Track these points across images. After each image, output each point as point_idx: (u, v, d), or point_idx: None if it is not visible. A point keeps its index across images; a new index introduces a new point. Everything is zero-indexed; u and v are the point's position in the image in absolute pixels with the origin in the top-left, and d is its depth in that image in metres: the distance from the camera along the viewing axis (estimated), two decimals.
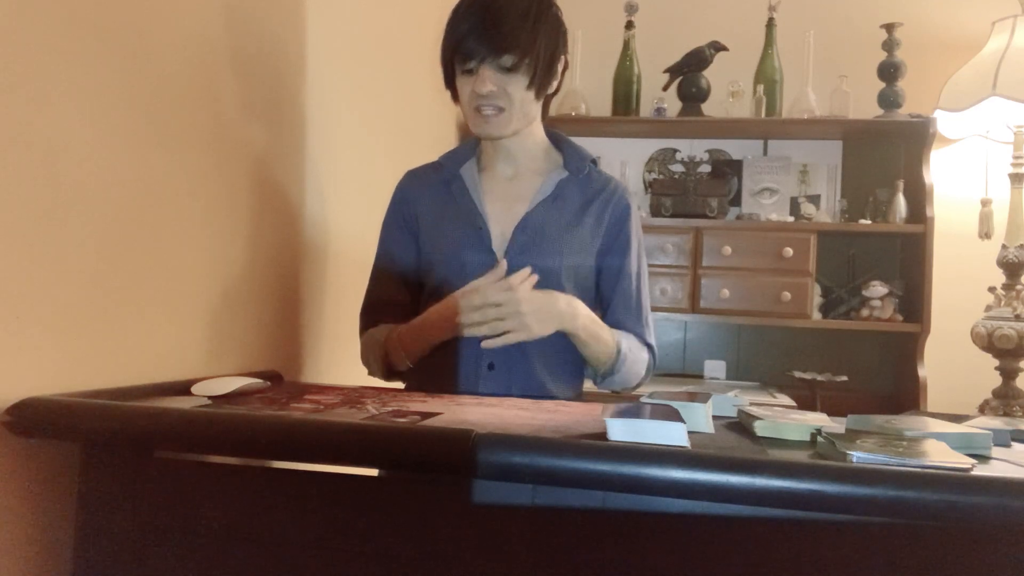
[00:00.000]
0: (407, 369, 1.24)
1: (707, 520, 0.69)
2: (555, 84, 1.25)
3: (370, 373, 1.30)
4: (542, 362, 1.22)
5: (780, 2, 2.78)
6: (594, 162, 1.31)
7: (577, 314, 1.16)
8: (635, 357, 1.26)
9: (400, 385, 1.30)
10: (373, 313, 1.30)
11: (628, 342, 1.25)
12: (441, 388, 1.20)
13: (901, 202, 2.68)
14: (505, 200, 1.27)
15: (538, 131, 1.29)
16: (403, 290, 1.30)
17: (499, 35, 1.13)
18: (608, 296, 1.29)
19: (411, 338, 1.20)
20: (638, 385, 1.30)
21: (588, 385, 1.36)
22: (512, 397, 1.16)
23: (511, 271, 1.14)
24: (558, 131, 1.34)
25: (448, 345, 1.19)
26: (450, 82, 1.24)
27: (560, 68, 1.24)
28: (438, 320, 1.15)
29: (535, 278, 1.12)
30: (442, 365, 1.21)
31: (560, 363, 1.25)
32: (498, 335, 1.11)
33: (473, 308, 1.10)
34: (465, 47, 1.16)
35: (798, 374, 2.64)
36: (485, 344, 1.12)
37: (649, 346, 1.30)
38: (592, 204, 1.28)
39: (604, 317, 1.26)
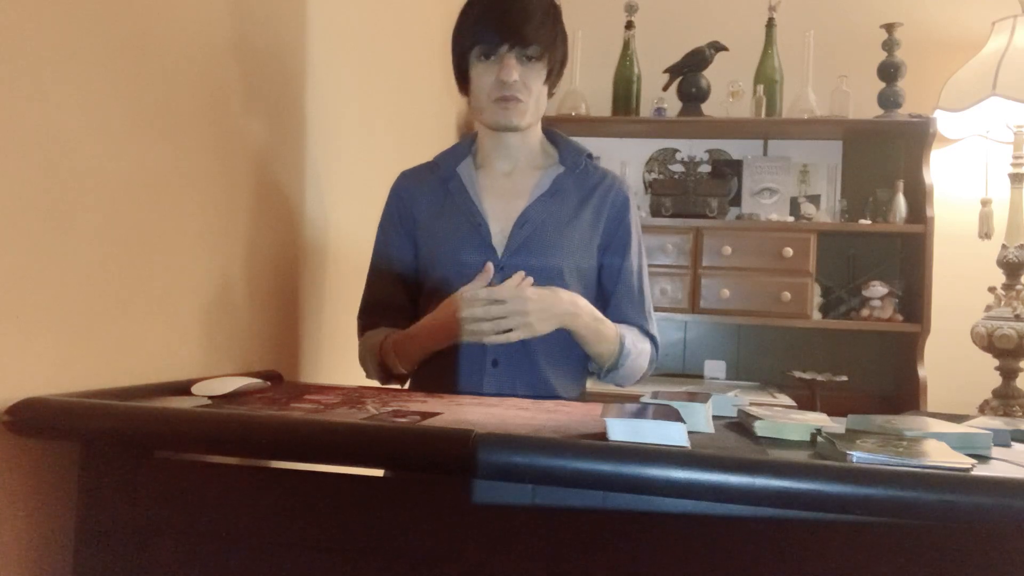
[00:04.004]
0: (405, 372, 1.23)
1: (707, 520, 0.69)
2: (558, 83, 1.28)
3: (368, 376, 1.30)
4: (546, 359, 1.22)
5: (780, 2, 2.78)
6: (590, 156, 1.32)
7: (579, 312, 1.16)
8: (639, 351, 1.25)
9: (399, 386, 1.30)
10: (370, 315, 1.30)
11: (631, 336, 1.24)
12: (445, 386, 1.20)
13: (901, 202, 2.68)
14: (503, 197, 1.27)
15: (538, 128, 1.30)
16: (400, 291, 1.30)
17: (528, 26, 1.16)
18: (611, 289, 1.28)
19: (407, 345, 1.19)
20: (641, 378, 1.30)
21: (590, 384, 1.35)
22: (516, 395, 1.16)
23: (511, 268, 1.13)
24: (553, 128, 1.34)
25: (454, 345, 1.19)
26: (462, 73, 1.24)
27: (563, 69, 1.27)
28: (436, 327, 1.15)
29: (531, 280, 1.12)
30: (446, 363, 1.21)
31: (564, 359, 1.24)
32: (501, 333, 1.10)
33: (477, 307, 1.08)
34: (493, 35, 1.17)
35: (798, 374, 2.64)
36: (489, 339, 1.11)
37: (652, 337, 1.30)
38: (590, 198, 1.28)
39: (607, 309, 1.26)
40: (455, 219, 1.25)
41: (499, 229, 1.24)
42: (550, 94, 1.26)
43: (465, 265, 1.19)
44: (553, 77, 1.23)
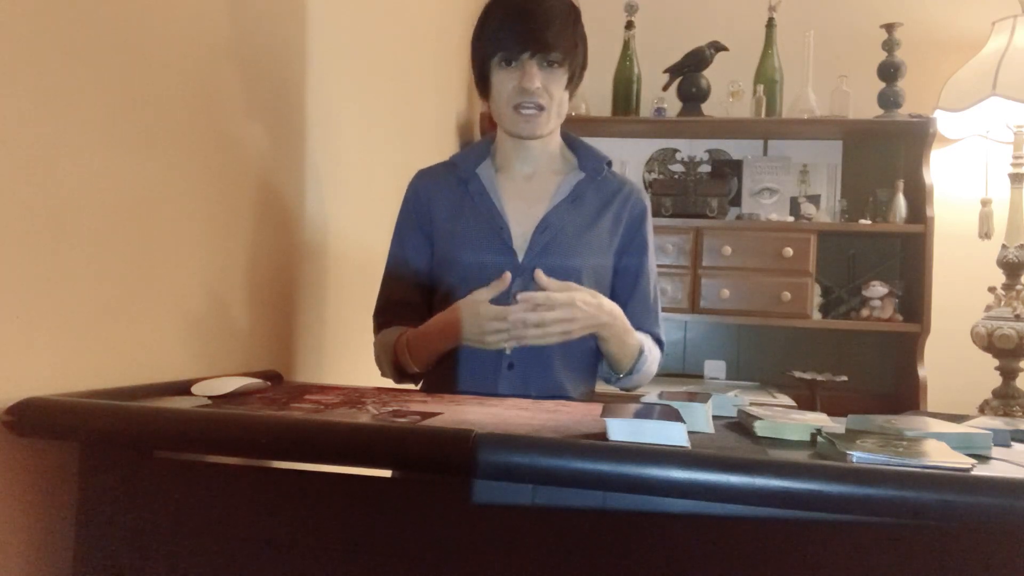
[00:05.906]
0: (419, 372, 1.23)
1: (707, 520, 0.69)
2: (579, 86, 1.29)
3: (383, 375, 1.29)
4: (562, 362, 1.22)
5: (780, 2, 2.78)
6: (608, 164, 1.32)
7: (614, 322, 1.16)
8: (653, 357, 1.27)
9: (413, 386, 1.29)
10: (386, 314, 1.29)
11: (648, 343, 1.26)
12: (459, 388, 1.20)
13: (901, 202, 2.68)
14: (524, 200, 1.27)
15: (557, 132, 1.31)
16: (417, 291, 1.29)
17: (550, 32, 1.17)
18: (626, 297, 1.29)
19: (419, 344, 1.19)
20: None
21: (597, 386, 1.35)
22: (529, 396, 1.16)
23: (531, 271, 1.12)
24: (570, 132, 1.34)
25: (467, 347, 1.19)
26: (483, 78, 1.24)
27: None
28: (447, 328, 1.14)
29: (571, 284, 1.11)
30: (461, 366, 1.21)
31: (578, 363, 1.25)
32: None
33: (531, 311, 1.06)
34: (514, 42, 1.17)
35: (798, 374, 2.64)
36: (525, 343, 1.09)
37: (661, 344, 1.32)
38: (609, 206, 1.29)
39: None
40: (476, 221, 1.25)
41: (520, 233, 1.24)
42: (570, 98, 1.26)
43: (485, 267, 1.19)
44: (574, 81, 1.24)
